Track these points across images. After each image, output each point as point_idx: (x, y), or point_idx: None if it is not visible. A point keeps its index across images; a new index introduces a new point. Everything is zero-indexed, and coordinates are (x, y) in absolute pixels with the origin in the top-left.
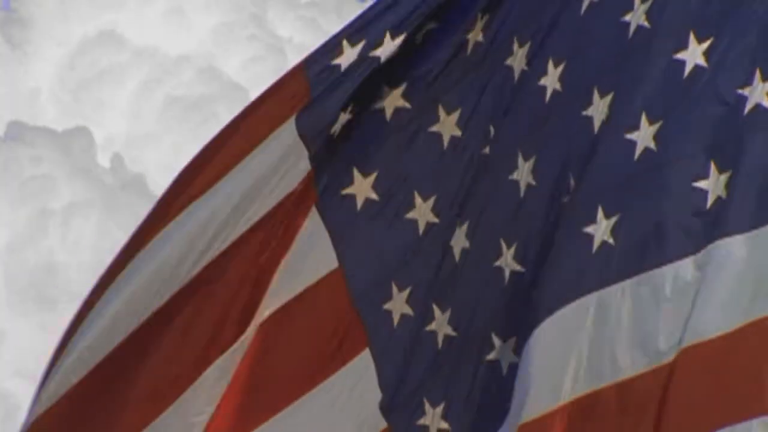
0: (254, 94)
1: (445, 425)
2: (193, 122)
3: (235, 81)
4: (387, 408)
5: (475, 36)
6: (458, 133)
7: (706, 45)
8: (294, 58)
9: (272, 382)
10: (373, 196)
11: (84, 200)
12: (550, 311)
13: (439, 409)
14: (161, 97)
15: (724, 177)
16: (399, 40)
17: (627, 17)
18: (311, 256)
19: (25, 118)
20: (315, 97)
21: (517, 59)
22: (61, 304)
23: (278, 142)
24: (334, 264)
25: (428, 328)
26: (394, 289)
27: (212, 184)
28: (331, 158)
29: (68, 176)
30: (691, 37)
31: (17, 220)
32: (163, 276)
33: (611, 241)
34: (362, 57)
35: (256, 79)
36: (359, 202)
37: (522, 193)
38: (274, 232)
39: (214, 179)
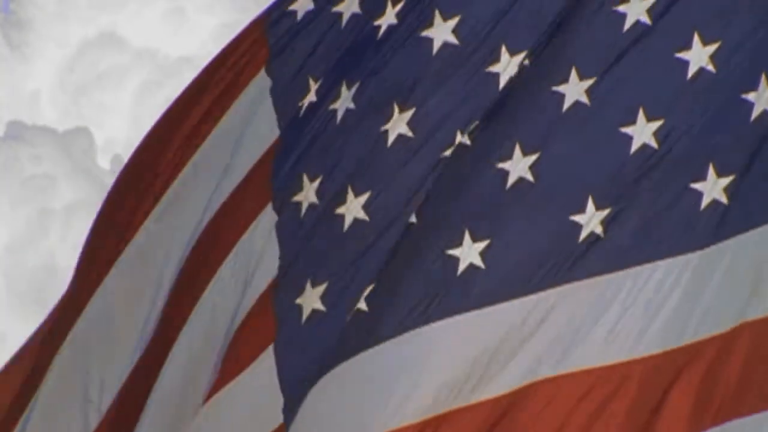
0: None
1: None
2: None
3: None
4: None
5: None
6: (409, 133)
7: (712, 48)
8: None
9: None
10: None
11: (84, 201)
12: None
13: None
14: (162, 99)
15: (724, 181)
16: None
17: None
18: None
19: (25, 119)
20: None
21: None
22: None
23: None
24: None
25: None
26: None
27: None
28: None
29: (68, 176)
30: (696, 38)
31: (17, 220)
32: None
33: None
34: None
35: None
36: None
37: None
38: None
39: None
